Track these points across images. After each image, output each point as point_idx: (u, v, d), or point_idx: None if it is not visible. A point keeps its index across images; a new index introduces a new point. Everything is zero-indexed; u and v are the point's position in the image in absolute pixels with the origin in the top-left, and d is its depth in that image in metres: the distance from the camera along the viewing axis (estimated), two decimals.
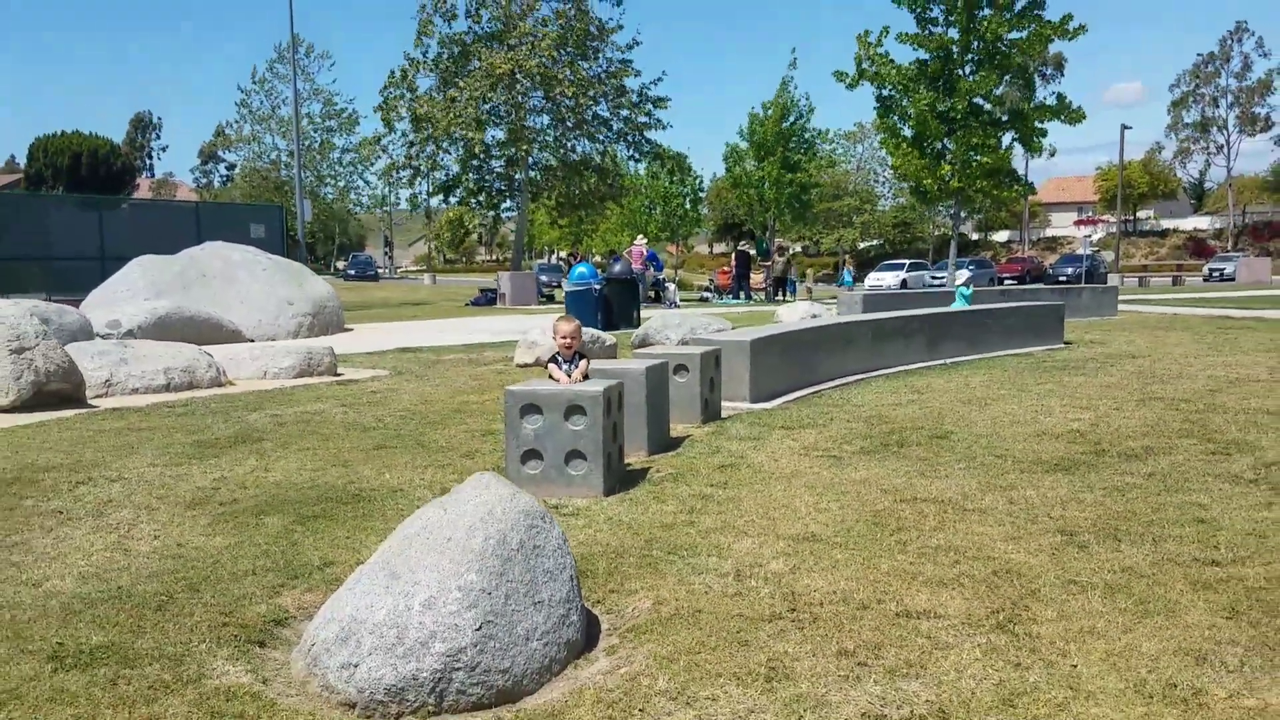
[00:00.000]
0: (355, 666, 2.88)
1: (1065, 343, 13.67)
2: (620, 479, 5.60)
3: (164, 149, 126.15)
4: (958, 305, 15.05)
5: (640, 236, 32.70)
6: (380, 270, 69.23)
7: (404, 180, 33.89)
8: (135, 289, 16.26)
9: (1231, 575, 3.84)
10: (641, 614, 3.59)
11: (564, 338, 6.27)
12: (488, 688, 2.88)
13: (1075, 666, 3.03)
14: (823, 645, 3.24)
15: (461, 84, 30.34)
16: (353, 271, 60.96)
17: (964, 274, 18.20)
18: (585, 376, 6.09)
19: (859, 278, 48.48)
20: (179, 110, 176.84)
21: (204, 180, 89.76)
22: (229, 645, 3.30)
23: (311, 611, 3.54)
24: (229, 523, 4.76)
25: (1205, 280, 51.36)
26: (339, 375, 10.59)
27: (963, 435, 6.84)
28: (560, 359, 6.27)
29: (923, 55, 25.10)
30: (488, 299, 29.26)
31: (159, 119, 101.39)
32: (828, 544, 4.35)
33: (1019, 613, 3.47)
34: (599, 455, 5.32)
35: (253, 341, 15.25)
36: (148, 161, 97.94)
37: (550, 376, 6.16)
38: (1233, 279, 48.30)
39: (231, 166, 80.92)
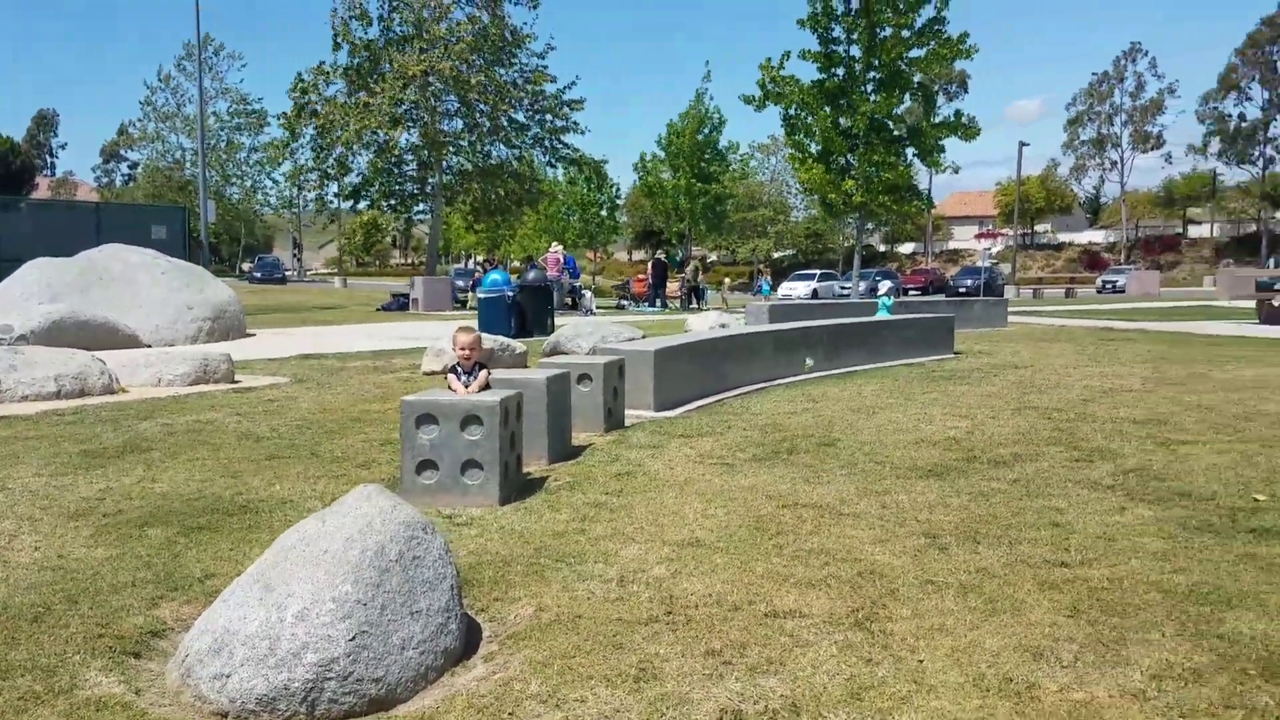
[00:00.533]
0: (227, 677, 2.93)
1: (956, 353, 14.22)
2: (517, 488, 5.68)
3: (63, 146, 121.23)
4: (880, 315, 15.69)
5: (555, 243, 32.75)
6: (289, 273, 67.71)
7: (311, 183, 33.42)
8: (30, 292, 15.72)
9: (1078, 576, 4.12)
10: (523, 621, 3.70)
11: (462, 349, 6.34)
12: (360, 696, 2.96)
13: (922, 662, 3.24)
14: (693, 646, 3.40)
15: (376, 87, 30.04)
16: (259, 274, 59.42)
17: (886, 284, 19.01)
18: (486, 387, 6.16)
19: (775, 286, 49.36)
20: (82, 107, 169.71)
21: (105, 180, 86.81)
22: (104, 657, 3.30)
23: (189, 623, 3.56)
24: (112, 534, 4.72)
25: (1099, 292, 53.66)
26: (237, 382, 10.44)
27: (848, 443, 7.12)
28: (460, 369, 6.33)
29: (824, 74, 25.74)
30: (400, 304, 28.92)
31: (58, 115, 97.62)
32: (710, 549, 4.52)
33: (877, 611, 3.69)
34: (495, 465, 5.40)
35: (150, 347, 14.88)
36: (48, 159, 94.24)
37: (449, 387, 6.22)
38: (1124, 291, 50.58)
39: (134, 165, 78.53)
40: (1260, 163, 71.86)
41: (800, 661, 3.25)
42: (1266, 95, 70.92)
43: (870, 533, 4.75)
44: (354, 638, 3.00)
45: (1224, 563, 4.28)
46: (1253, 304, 23.94)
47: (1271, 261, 59.08)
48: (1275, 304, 21.47)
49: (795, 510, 5.20)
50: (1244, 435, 7.30)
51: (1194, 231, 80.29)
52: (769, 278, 50.99)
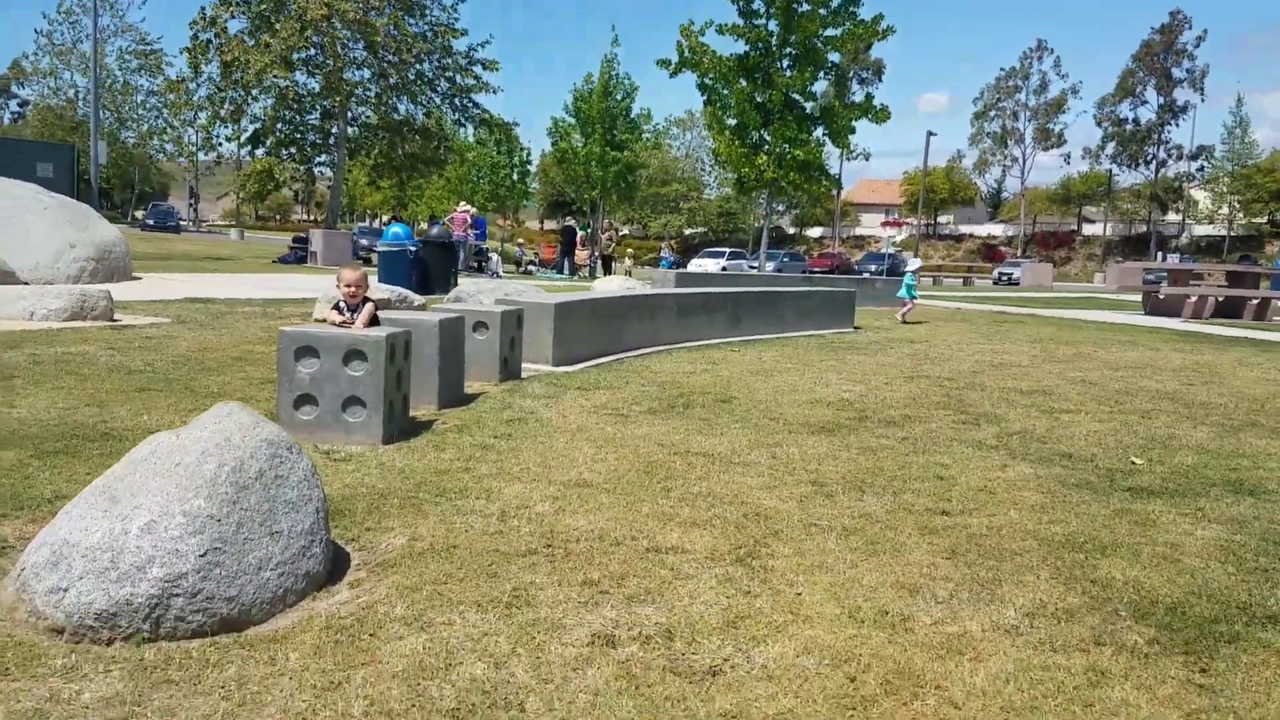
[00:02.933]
0: (64, 591, 2.71)
1: (855, 327, 14.42)
2: (402, 429, 5.49)
3: None
4: (903, 294, 16.34)
5: (462, 203, 32.13)
6: (183, 222, 64.99)
7: (201, 122, 32.14)
8: None
9: (958, 524, 4.16)
10: (395, 550, 3.54)
11: (348, 285, 6.06)
12: (210, 615, 2.77)
13: (800, 595, 3.20)
14: (569, 576, 3.30)
15: (277, 26, 28.90)
16: (151, 221, 56.76)
17: (915, 263, 19.33)
18: (374, 322, 5.91)
19: (680, 263, 49.27)
20: None
21: None
22: None
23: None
24: None
25: (995, 283, 55.22)
26: (115, 320, 9.90)
27: (744, 400, 7.11)
28: (344, 305, 6.07)
29: (746, 46, 25.71)
30: (297, 256, 28.01)
31: None
32: (596, 489, 4.43)
33: (759, 549, 3.65)
34: (379, 402, 5.19)
35: (27, 284, 14.05)
36: None
37: (329, 321, 5.96)
38: (1018, 283, 52.21)
39: (25, 104, 74.40)
40: (1153, 166, 74.86)
41: (678, 592, 3.18)
42: (1160, 100, 73.83)
43: (759, 480, 4.72)
44: (205, 554, 2.80)
45: (1100, 516, 4.37)
46: (1139, 297, 24.91)
47: (1160, 256, 61.68)
48: (1160, 295, 22.38)
49: (686, 458, 5.14)
50: (1124, 408, 7.54)
51: (1088, 229, 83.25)
52: (669, 251, 50.79)
